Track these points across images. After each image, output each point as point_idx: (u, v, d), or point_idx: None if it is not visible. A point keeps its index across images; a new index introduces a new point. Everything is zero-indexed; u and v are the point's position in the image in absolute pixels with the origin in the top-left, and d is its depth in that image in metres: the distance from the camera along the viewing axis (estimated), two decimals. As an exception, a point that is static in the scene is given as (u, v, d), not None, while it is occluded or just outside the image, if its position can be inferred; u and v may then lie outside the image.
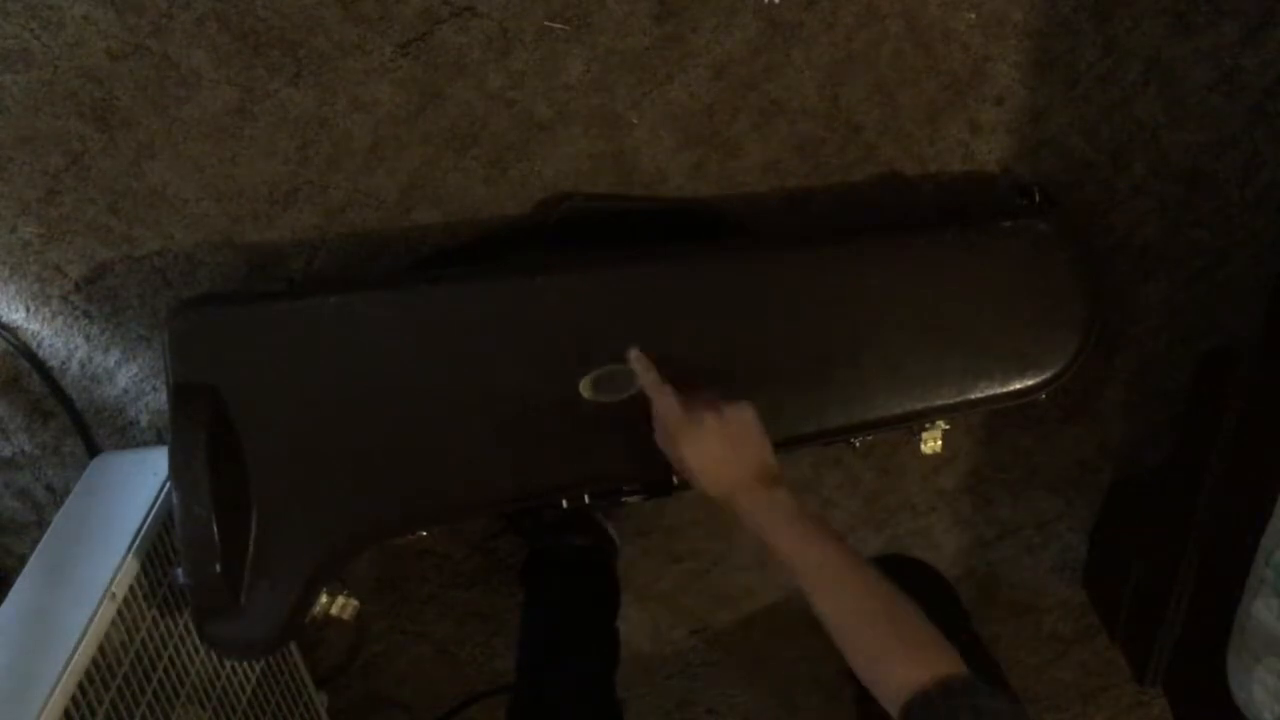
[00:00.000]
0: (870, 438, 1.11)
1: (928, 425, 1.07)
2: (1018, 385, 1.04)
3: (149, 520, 1.01)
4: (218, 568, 0.89)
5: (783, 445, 1.03)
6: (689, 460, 0.87)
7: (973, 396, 1.04)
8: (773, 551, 0.82)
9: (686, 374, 0.96)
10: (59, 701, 0.86)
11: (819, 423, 1.02)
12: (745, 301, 1.00)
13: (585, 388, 0.96)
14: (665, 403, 0.89)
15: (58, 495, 1.25)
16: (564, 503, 1.04)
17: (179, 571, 0.93)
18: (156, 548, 1.02)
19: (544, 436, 0.99)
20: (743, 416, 0.88)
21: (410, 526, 1.04)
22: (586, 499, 1.04)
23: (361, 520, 0.98)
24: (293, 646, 1.29)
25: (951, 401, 1.03)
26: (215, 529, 0.88)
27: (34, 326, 1.12)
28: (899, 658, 0.71)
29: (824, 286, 1.02)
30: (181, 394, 0.93)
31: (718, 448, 0.86)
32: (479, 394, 0.97)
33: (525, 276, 0.97)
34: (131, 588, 0.97)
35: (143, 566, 0.99)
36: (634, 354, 0.94)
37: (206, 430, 0.90)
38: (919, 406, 1.03)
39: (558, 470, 1.00)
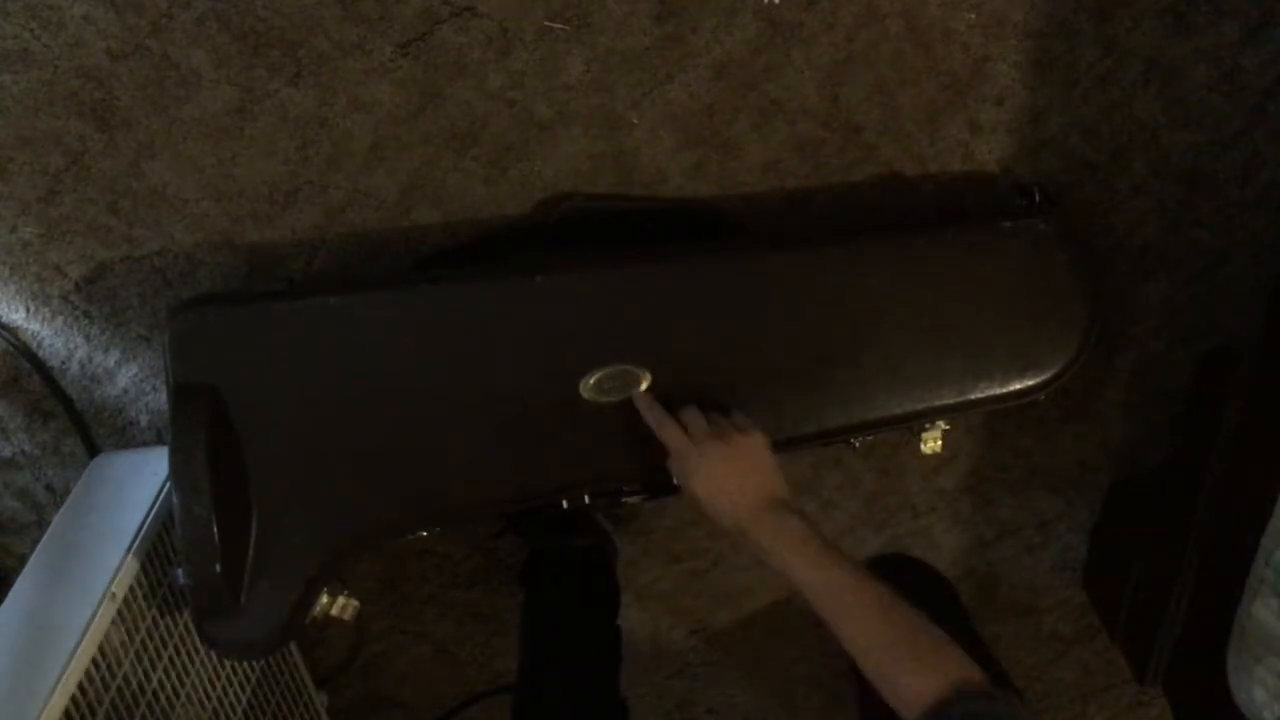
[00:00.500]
0: (870, 438, 1.11)
1: (928, 425, 1.07)
2: (1018, 385, 1.04)
3: (149, 520, 1.01)
4: (218, 568, 0.89)
5: (783, 446, 1.03)
6: (698, 491, 0.88)
7: (973, 397, 1.04)
8: (784, 576, 0.83)
9: (687, 374, 0.96)
10: (59, 701, 0.86)
11: (819, 423, 1.02)
12: (745, 301, 1.00)
13: (585, 389, 0.96)
14: (671, 435, 0.91)
15: (58, 495, 1.25)
16: (564, 503, 1.03)
17: (179, 572, 0.93)
18: (156, 548, 1.02)
19: (544, 437, 0.99)
20: (750, 445, 0.88)
21: (411, 527, 1.04)
22: (587, 499, 1.04)
23: (362, 520, 0.98)
24: (293, 646, 1.29)
25: (951, 402, 1.03)
26: (215, 529, 0.88)
27: (34, 326, 1.12)
28: (914, 670, 0.73)
29: (824, 286, 1.02)
30: (181, 394, 0.93)
31: (723, 477, 0.87)
32: (479, 394, 0.97)
33: (525, 276, 0.97)
34: (131, 588, 0.97)
35: (143, 566, 0.99)
36: (638, 395, 0.95)
37: (206, 430, 0.90)
38: (919, 407, 1.03)
39: (558, 471, 1.00)
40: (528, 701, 1.19)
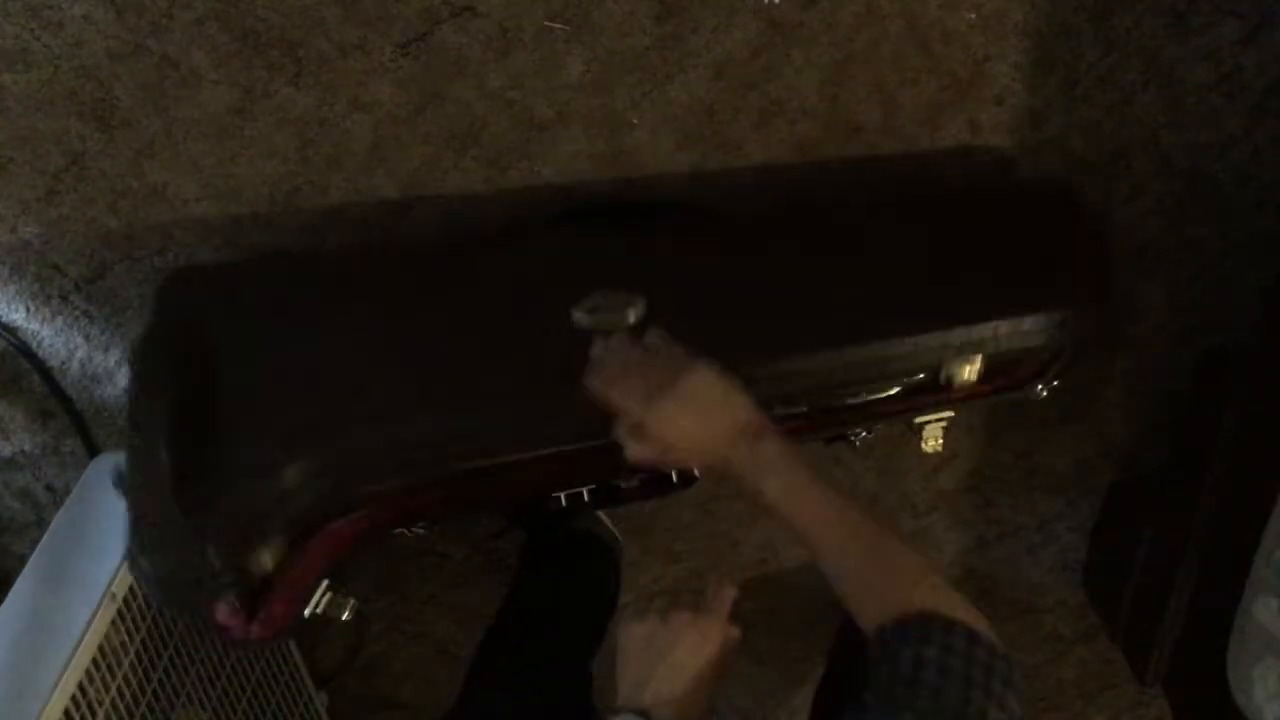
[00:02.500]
0: (870, 435, 1.11)
1: (929, 420, 1.06)
2: (1030, 325, 0.97)
3: (149, 520, 1.01)
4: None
5: (787, 413, 0.99)
6: (673, 452, 0.82)
7: (983, 336, 0.96)
8: (765, 507, 0.78)
9: (683, 329, 0.86)
10: (59, 701, 0.86)
11: (825, 376, 0.95)
12: (747, 248, 0.97)
13: (581, 317, 0.88)
14: (623, 407, 0.81)
15: (58, 495, 1.26)
16: (563, 502, 1.03)
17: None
18: (156, 548, 1.02)
19: (536, 373, 0.90)
20: (698, 381, 0.80)
21: (402, 480, 0.97)
22: (586, 498, 1.03)
23: (353, 472, 0.93)
24: (293, 646, 1.29)
25: (958, 343, 0.96)
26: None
27: (34, 326, 1.12)
28: (886, 588, 0.71)
29: (829, 232, 0.99)
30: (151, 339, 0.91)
31: (688, 424, 0.79)
32: (477, 344, 0.92)
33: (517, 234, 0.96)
34: (131, 588, 0.97)
35: (143, 566, 0.99)
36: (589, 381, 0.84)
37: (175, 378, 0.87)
38: (929, 344, 0.96)
39: (561, 421, 0.92)
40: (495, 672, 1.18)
